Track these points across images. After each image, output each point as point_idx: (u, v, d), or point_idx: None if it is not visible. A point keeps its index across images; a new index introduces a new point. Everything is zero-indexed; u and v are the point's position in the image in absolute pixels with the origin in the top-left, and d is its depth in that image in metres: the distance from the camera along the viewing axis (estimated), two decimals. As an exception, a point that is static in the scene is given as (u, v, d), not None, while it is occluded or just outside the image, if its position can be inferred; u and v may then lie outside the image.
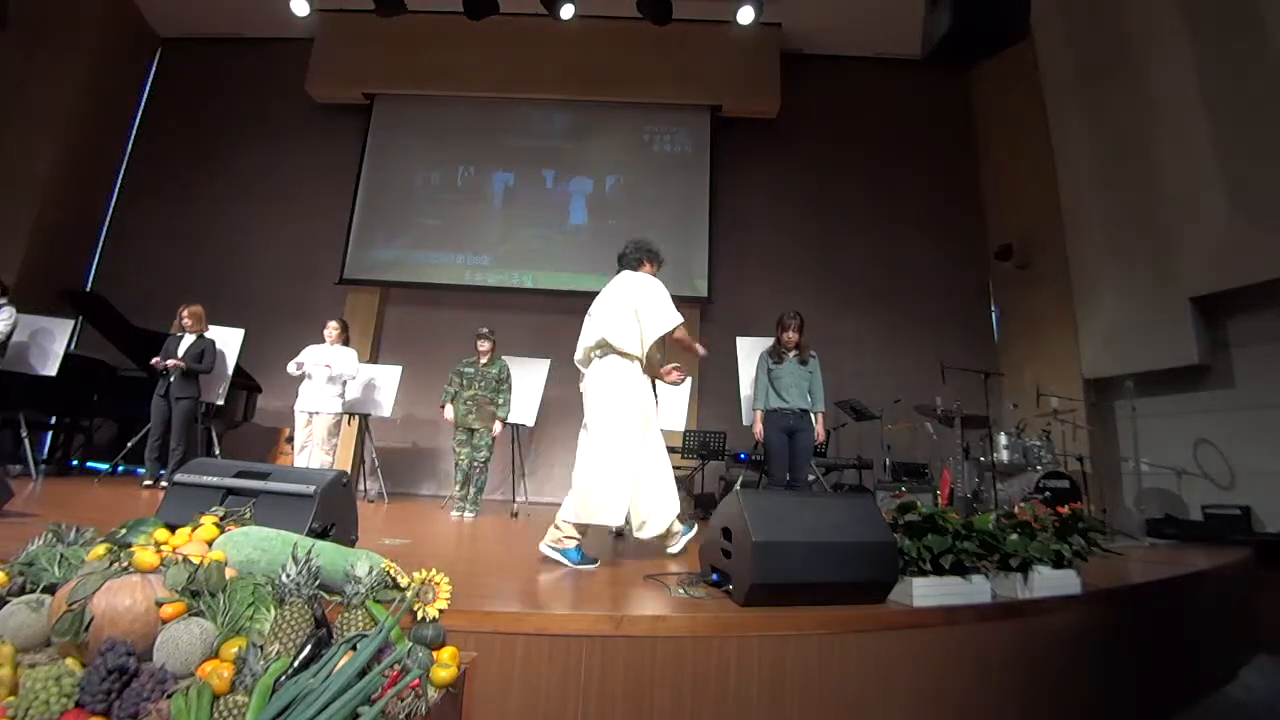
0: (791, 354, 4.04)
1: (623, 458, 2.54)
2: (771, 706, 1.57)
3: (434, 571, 1.47)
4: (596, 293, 2.95)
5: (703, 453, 5.82)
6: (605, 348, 2.67)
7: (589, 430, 2.62)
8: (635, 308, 2.66)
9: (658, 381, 2.88)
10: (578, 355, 2.81)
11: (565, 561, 2.44)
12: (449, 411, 4.59)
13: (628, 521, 2.64)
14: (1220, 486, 4.90)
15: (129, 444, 5.13)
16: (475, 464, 4.54)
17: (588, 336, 2.75)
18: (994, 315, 7.15)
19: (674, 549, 2.75)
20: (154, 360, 4.63)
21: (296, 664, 1.13)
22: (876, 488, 5.37)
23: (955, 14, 3.65)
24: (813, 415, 3.95)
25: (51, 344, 4.95)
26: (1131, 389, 4.83)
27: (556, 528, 2.51)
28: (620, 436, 2.56)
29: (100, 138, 7.37)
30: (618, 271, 2.93)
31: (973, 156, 7.61)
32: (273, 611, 1.23)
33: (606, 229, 7.23)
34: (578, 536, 2.50)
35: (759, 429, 4.03)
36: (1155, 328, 5.23)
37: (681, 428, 5.50)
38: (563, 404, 6.61)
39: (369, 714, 1.05)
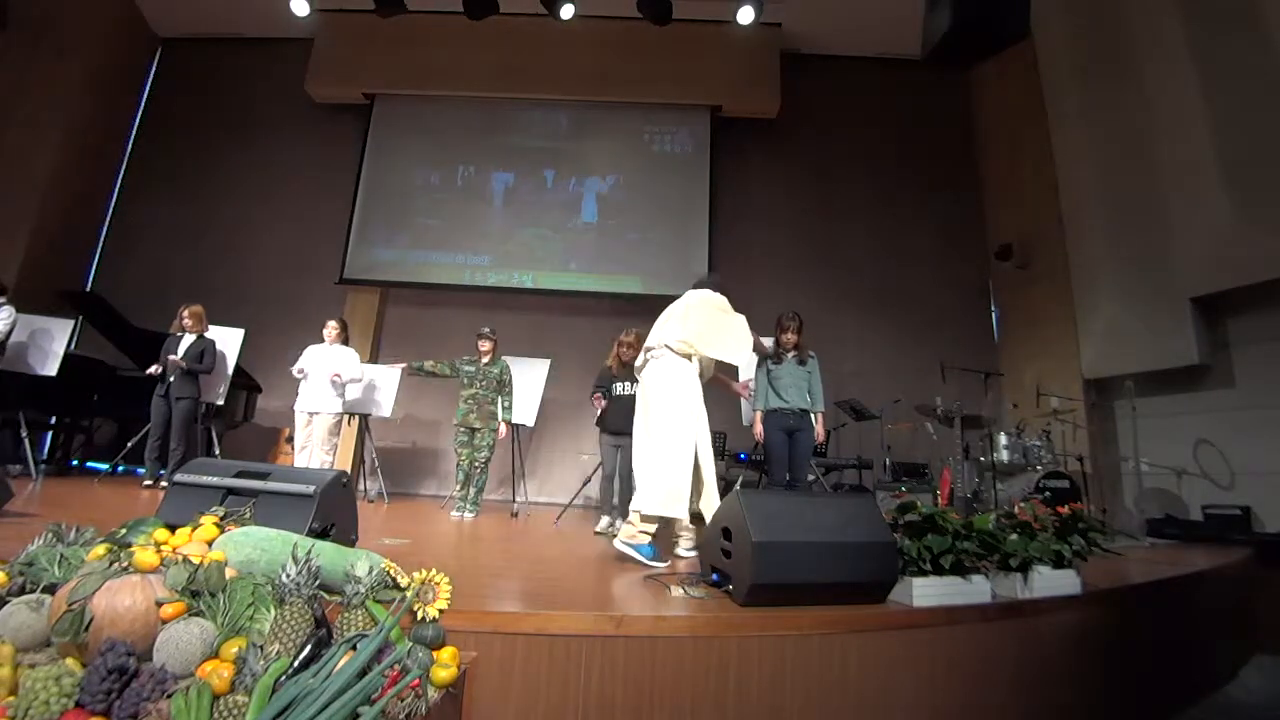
0: (790, 354, 4.04)
1: (684, 452, 2.64)
2: (771, 706, 1.57)
3: (434, 571, 1.47)
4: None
5: (703, 453, 5.81)
6: (662, 349, 2.80)
7: (651, 427, 2.73)
8: (738, 322, 2.90)
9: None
10: (639, 359, 2.99)
11: (640, 558, 2.47)
12: (402, 366, 4.78)
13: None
14: (1220, 486, 4.90)
15: (129, 444, 5.13)
16: (476, 464, 4.53)
17: (663, 335, 2.85)
18: (994, 315, 7.16)
19: (685, 551, 2.75)
20: (152, 367, 4.63)
21: (296, 664, 1.13)
22: (876, 488, 5.38)
23: (955, 14, 3.65)
24: (812, 415, 3.94)
25: (51, 344, 4.94)
26: (1131, 389, 4.83)
27: (630, 523, 2.59)
28: (683, 432, 2.66)
29: (100, 138, 7.37)
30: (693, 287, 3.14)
31: (973, 156, 7.61)
32: (273, 611, 1.23)
33: (606, 229, 7.24)
34: (651, 532, 2.56)
35: (759, 429, 4.01)
36: (1155, 328, 5.23)
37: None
38: (563, 404, 6.62)
39: (369, 714, 1.05)
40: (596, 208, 7.33)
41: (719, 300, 3.01)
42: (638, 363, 2.99)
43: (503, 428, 4.56)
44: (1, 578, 1.30)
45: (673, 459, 2.62)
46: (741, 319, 2.95)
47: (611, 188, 7.40)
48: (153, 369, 4.62)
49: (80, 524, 1.54)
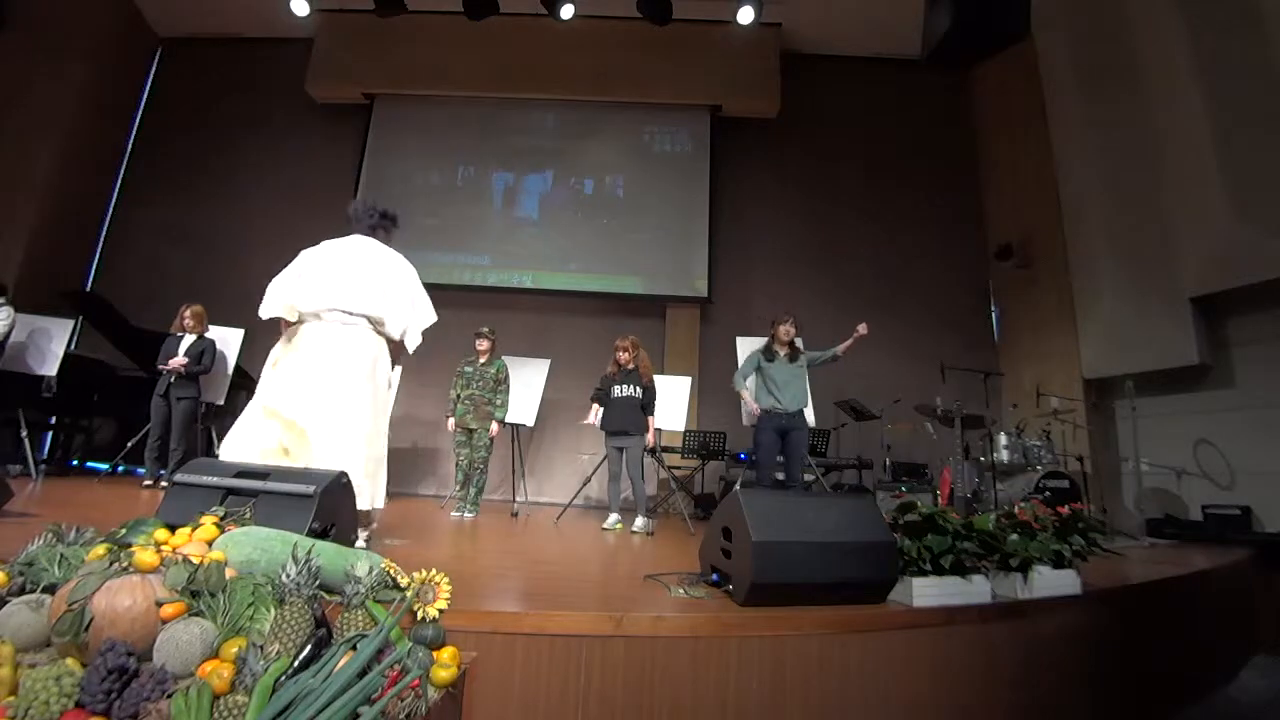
0: (783, 354, 4.11)
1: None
2: (771, 707, 1.57)
3: (434, 571, 1.47)
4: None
5: (703, 453, 5.83)
6: (358, 319, 2.41)
7: (344, 397, 2.31)
8: (409, 295, 2.56)
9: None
10: (303, 311, 2.44)
11: None
12: (451, 422, 4.60)
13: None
14: (1220, 486, 4.90)
15: (129, 444, 5.13)
16: (475, 464, 4.54)
17: (357, 299, 2.42)
18: (994, 315, 7.15)
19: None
20: (168, 363, 4.66)
21: (296, 664, 1.13)
22: (876, 488, 5.38)
23: (955, 14, 3.65)
24: (839, 348, 4.10)
25: (51, 344, 4.95)
26: (1131, 389, 4.83)
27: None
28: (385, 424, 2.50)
29: (100, 137, 7.36)
30: (350, 233, 2.60)
31: (973, 156, 7.61)
32: (273, 611, 1.23)
33: (606, 229, 7.23)
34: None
35: (754, 407, 4.05)
36: (1155, 328, 5.23)
37: (681, 428, 5.50)
38: (563, 404, 6.62)
39: (369, 714, 1.05)
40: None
41: (411, 269, 2.62)
42: (303, 314, 2.43)
43: (494, 426, 4.55)
44: (1, 578, 1.30)
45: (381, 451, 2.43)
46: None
47: (611, 188, 7.40)
48: (162, 366, 4.64)
49: (80, 524, 1.54)
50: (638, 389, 4.23)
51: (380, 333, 2.48)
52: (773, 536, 1.74)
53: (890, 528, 1.95)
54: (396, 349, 2.59)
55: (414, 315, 2.56)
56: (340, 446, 2.25)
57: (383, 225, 2.68)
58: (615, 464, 4.25)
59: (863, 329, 4.00)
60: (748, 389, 4.12)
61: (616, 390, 4.26)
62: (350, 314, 2.41)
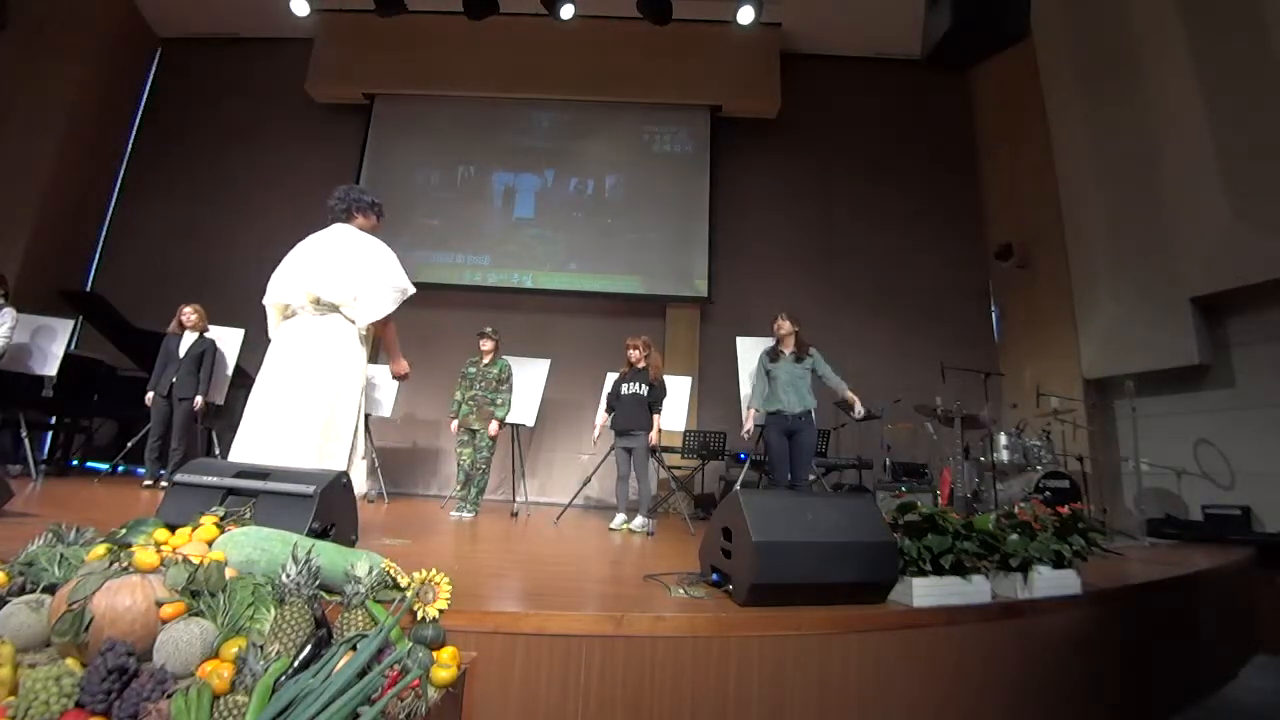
0: (788, 353, 4.09)
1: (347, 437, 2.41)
2: (771, 707, 1.57)
3: (434, 571, 1.47)
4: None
5: (703, 453, 5.83)
6: (327, 308, 2.43)
7: (296, 390, 2.31)
8: (374, 277, 2.51)
9: None
10: (279, 299, 2.48)
11: None
12: (455, 424, 4.59)
13: None
14: (1220, 486, 4.89)
15: (129, 444, 5.13)
16: (477, 465, 4.53)
17: (332, 288, 2.44)
18: (994, 315, 7.15)
19: None
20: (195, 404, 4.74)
21: (296, 664, 1.13)
22: (876, 488, 5.38)
23: (955, 14, 3.64)
24: (844, 393, 4.11)
25: (51, 344, 4.95)
26: (1131, 389, 4.83)
27: None
28: (351, 415, 2.42)
29: (100, 138, 7.36)
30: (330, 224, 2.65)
31: (973, 156, 7.61)
32: (273, 611, 1.23)
33: (606, 229, 7.23)
34: None
35: (749, 425, 4.15)
36: (1155, 328, 5.23)
37: (681, 428, 5.50)
38: (563, 404, 6.63)
39: (369, 714, 1.05)
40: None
41: (389, 252, 2.60)
42: (280, 301, 2.49)
43: (494, 425, 4.52)
44: (1, 578, 1.30)
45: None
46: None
47: (611, 188, 7.41)
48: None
49: (80, 524, 1.54)
50: (644, 386, 4.24)
51: (350, 320, 2.48)
52: (773, 536, 1.74)
53: (890, 528, 1.95)
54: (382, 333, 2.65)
55: (379, 297, 2.54)
56: (290, 432, 2.25)
57: (359, 211, 2.65)
58: (624, 465, 4.24)
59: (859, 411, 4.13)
60: (755, 405, 4.15)
61: (625, 388, 4.27)
62: (320, 304, 2.43)
